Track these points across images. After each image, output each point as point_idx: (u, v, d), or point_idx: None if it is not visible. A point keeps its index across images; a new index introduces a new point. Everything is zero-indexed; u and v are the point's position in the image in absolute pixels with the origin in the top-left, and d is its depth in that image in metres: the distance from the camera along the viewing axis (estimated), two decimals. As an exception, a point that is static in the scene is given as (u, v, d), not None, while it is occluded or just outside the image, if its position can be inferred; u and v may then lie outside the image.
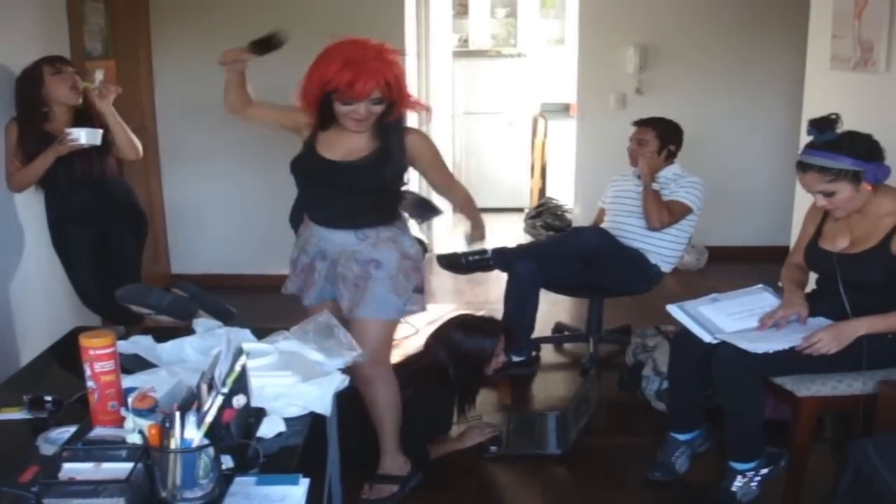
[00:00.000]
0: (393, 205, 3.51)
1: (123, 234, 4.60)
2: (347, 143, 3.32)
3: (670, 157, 4.93)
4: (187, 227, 6.78)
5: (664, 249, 4.81)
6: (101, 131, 4.21)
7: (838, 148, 3.19)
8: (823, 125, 3.25)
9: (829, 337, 3.24)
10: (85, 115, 4.32)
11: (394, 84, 3.19)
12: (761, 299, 3.66)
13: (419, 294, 3.50)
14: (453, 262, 5.02)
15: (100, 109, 4.36)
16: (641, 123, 5.03)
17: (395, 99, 3.23)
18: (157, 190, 6.60)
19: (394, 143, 3.31)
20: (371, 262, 3.36)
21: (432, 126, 6.45)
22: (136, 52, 6.30)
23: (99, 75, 4.40)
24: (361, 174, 3.30)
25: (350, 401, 3.10)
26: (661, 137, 4.91)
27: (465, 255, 4.60)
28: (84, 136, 4.14)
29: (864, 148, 3.20)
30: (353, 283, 3.37)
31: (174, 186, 6.69)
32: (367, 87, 3.13)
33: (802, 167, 3.29)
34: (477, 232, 3.74)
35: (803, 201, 4.40)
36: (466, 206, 3.72)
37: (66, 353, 2.92)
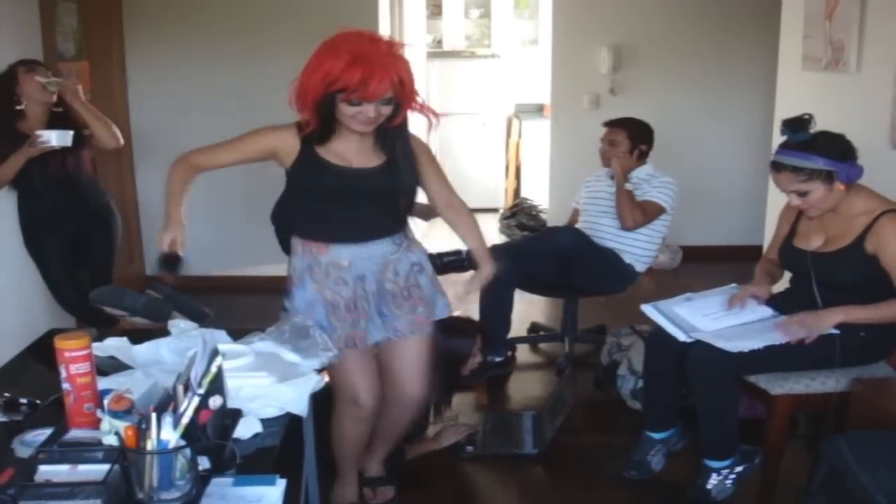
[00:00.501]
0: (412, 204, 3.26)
1: (97, 235, 4.59)
2: (357, 150, 3.03)
3: (642, 157, 4.95)
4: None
5: (638, 249, 4.83)
6: (71, 133, 4.20)
7: (811, 148, 3.22)
8: (797, 125, 3.27)
9: (800, 324, 3.29)
10: (61, 116, 4.31)
11: (407, 82, 2.89)
12: None
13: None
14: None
15: (71, 104, 4.36)
16: (612, 124, 5.05)
17: (404, 100, 2.93)
18: (130, 191, 6.57)
19: (399, 149, 3.05)
20: (414, 266, 3.17)
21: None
22: (109, 54, 6.27)
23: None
24: (396, 176, 3.05)
25: (328, 401, 3.10)
26: (632, 138, 4.93)
27: (440, 255, 4.61)
28: (55, 138, 4.14)
29: (836, 148, 3.23)
30: (401, 296, 3.14)
31: (148, 188, 6.65)
32: (381, 85, 2.80)
33: (776, 167, 3.32)
34: (485, 273, 3.32)
35: (776, 201, 4.43)
36: (473, 238, 3.35)
37: (40, 355, 2.91)
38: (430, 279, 3.24)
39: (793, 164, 3.24)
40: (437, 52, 10.04)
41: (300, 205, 3.17)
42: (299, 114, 3.01)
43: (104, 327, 3.80)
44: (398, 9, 7.25)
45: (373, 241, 3.08)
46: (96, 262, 4.61)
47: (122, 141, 4.61)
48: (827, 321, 3.28)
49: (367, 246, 3.07)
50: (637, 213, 4.72)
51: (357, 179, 3.02)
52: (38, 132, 4.12)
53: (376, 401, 3.21)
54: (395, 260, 3.12)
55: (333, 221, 3.09)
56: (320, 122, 2.95)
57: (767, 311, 3.56)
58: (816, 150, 3.21)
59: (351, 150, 3.02)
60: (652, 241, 4.87)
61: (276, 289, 5.24)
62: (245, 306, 5.46)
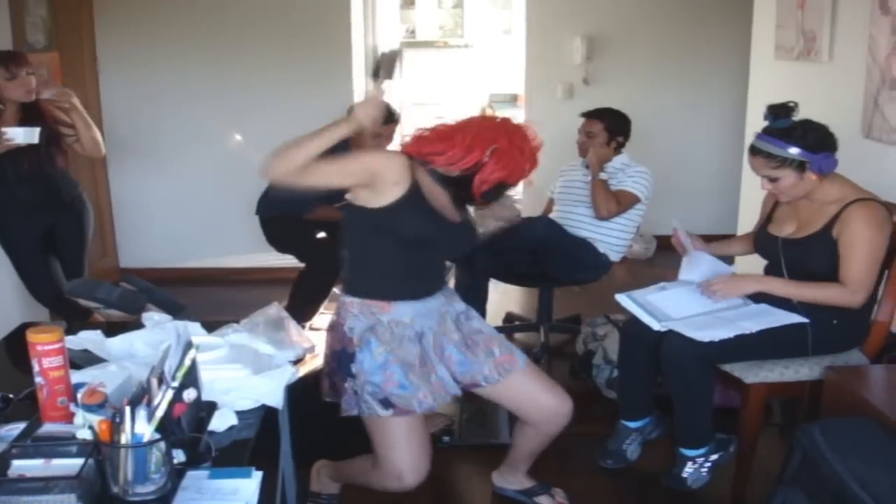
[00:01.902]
0: None
1: (69, 227, 4.58)
2: (448, 203, 2.96)
3: (618, 148, 4.96)
4: (135, 220, 6.72)
5: (612, 238, 4.84)
6: (38, 130, 4.16)
7: (788, 136, 3.24)
8: (779, 111, 3.30)
9: (722, 284, 3.45)
10: (32, 109, 4.27)
11: None
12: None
13: None
14: None
15: (69, 113, 4.35)
16: (589, 115, 5.05)
17: None
18: (103, 184, 6.53)
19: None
20: (461, 314, 3.14)
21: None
22: (80, 45, 6.22)
23: (46, 94, 4.35)
24: (475, 235, 3.12)
25: (307, 393, 3.08)
26: (609, 129, 4.93)
27: None
28: (21, 136, 4.12)
29: (813, 139, 3.25)
30: (465, 346, 3.07)
31: (121, 180, 6.62)
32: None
33: (752, 150, 3.36)
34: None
35: (750, 189, 4.45)
36: None
37: (13, 348, 2.89)
38: (484, 323, 3.22)
39: (767, 150, 3.27)
40: (411, 42, 10.07)
41: (366, 253, 2.99)
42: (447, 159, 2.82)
43: (78, 320, 3.79)
44: (371, -1, 7.24)
45: (432, 295, 3.01)
46: (69, 254, 4.59)
47: (104, 152, 4.60)
48: (743, 288, 3.45)
49: (427, 301, 2.99)
50: (611, 202, 4.73)
51: (451, 231, 2.98)
52: (4, 129, 4.10)
53: (422, 478, 3.01)
54: (447, 312, 3.08)
55: (402, 274, 2.97)
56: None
57: (738, 299, 3.58)
58: (793, 140, 3.23)
59: (446, 201, 2.95)
60: (626, 231, 4.88)
61: (247, 280, 5.29)
62: (218, 298, 5.46)
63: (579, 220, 4.86)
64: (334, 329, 3.00)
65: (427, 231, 2.88)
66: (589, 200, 4.81)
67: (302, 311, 4.80)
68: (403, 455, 2.95)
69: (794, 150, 3.22)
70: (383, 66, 3.02)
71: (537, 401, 3.17)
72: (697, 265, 3.68)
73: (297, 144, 2.70)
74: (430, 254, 3.01)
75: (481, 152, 2.77)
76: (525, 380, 3.15)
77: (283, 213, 5.07)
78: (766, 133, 3.32)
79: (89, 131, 4.43)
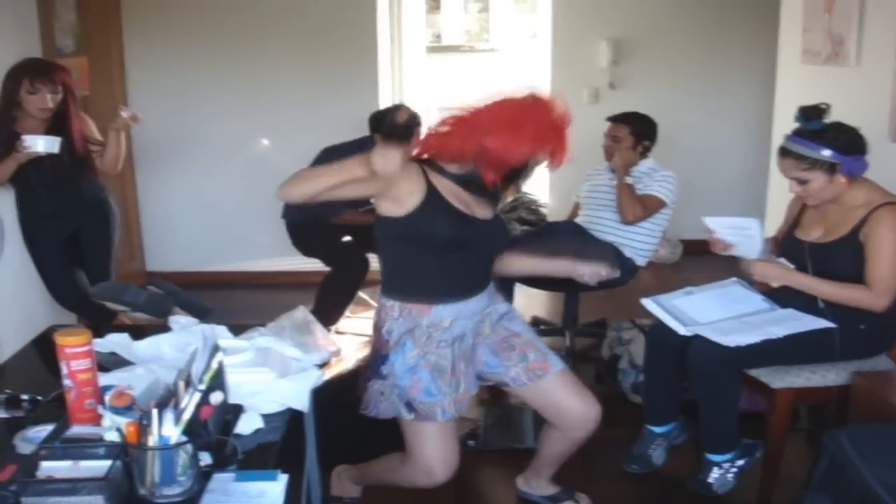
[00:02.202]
0: None
1: (95, 231, 4.58)
2: (473, 199, 2.95)
3: (645, 152, 4.94)
4: (161, 224, 6.75)
5: (638, 243, 4.82)
6: (59, 139, 4.12)
7: (820, 138, 3.22)
8: (811, 113, 3.28)
9: (762, 267, 3.42)
10: (60, 121, 4.26)
11: None
12: (735, 292, 3.69)
13: None
14: None
15: (110, 131, 4.38)
16: (616, 120, 5.03)
17: None
18: (130, 188, 6.57)
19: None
20: (503, 317, 3.13)
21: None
22: (108, 49, 6.26)
23: (124, 113, 4.38)
24: (507, 229, 3.12)
25: (333, 398, 3.08)
26: (636, 133, 4.92)
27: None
28: (41, 145, 4.07)
29: (845, 141, 3.23)
30: (502, 348, 3.10)
31: (148, 184, 6.66)
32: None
33: (783, 152, 3.33)
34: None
35: (776, 193, 4.43)
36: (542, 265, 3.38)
37: (41, 351, 2.92)
38: (524, 323, 3.20)
39: (798, 151, 3.25)
40: (437, 46, 10.08)
41: (402, 259, 2.97)
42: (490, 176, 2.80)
43: (102, 323, 3.81)
44: (397, 4, 7.24)
45: (474, 296, 2.98)
46: (95, 258, 4.60)
47: (119, 168, 4.64)
48: (776, 277, 3.44)
49: (469, 302, 2.97)
50: (637, 206, 4.71)
51: (481, 229, 2.95)
52: (24, 137, 4.06)
53: (451, 473, 3.05)
54: (488, 313, 3.08)
55: (440, 277, 2.94)
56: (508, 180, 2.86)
57: (764, 304, 3.57)
58: (824, 141, 3.21)
59: (470, 198, 2.93)
60: (652, 235, 4.86)
61: (273, 284, 5.31)
62: (243, 301, 5.47)
63: (605, 225, 4.85)
64: (375, 331, 3.03)
65: (453, 232, 2.85)
66: (615, 205, 4.79)
67: (327, 314, 4.82)
68: (434, 451, 2.97)
69: (825, 152, 3.20)
70: (394, 132, 2.76)
71: (565, 405, 3.16)
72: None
73: (312, 176, 2.78)
74: (464, 254, 2.93)
75: (477, 142, 2.76)
76: (556, 384, 3.14)
77: (309, 217, 5.10)
78: (797, 135, 3.30)
79: (118, 150, 4.45)
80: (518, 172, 2.85)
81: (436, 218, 2.83)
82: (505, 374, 3.09)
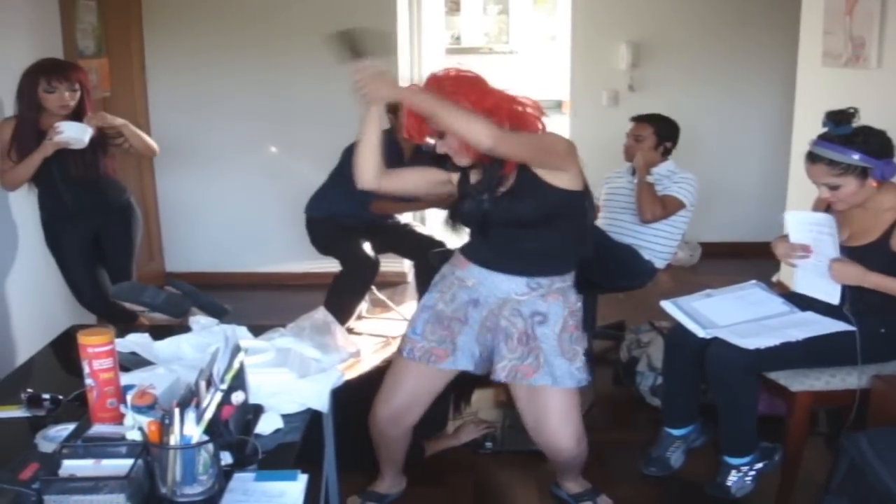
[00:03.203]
0: (573, 250, 3.23)
1: (117, 232, 4.59)
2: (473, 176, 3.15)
3: (666, 154, 4.93)
4: (181, 225, 6.78)
5: (657, 245, 4.80)
6: (91, 129, 4.17)
7: (851, 142, 3.19)
8: (840, 118, 3.24)
9: (839, 268, 3.26)
10: (76, 116, 4.29)
11: None
12: (754, 295, 3.68)
13: (585, 358, 3.22)
14: (445, 259, 5.04)
15: (119, 129, 4.39)
16: (640, 119, 5.02)
17: None
18: (150, 188, 6.60)
19: (519, 180, 3.06)
20: (536, 315, 3.10)
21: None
22: (128, 51, 6.29)
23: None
24: (513, 206, 3.02)
25: (349, 403, 3.09)
26: (659, 134, 4.90)
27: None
28: (74, 130, 4.10)
29: (876, 145, 3.21)
30: (516, 340, 3.10)
31: (168, 185, 6.69)
32: None
33: (812, 158, 3.29)
34: None
35: (796, 197, 4.42)
36: None
37: (62, 351, 2.94)
38: (554, 339, 3.11)
39: (829, 157, 3.22)
40: (456, 48, 10.08)
41: None
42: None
43: (123, 323, 3.82)
44: (416, 5, 7.25)
45: (499, 273, 3.08)
46: (116, 259, 4.61)
47: (157, 150, 4.67)
48: (852, 276, 3.25)
49: (493, 276, 3.09)
50: (657, 206, 4.70)
51: (479, 205, 3.06)
52: (58, 123, 4.09)
53: (386, 420, 3.33)
54: (520, 302, 3.09)
55: (479, 242, 3.15)
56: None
57: (784, 307, 3.56)
58: (856, 146, 3.18)
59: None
60: (671, 238, 4.84)
61: (293, 285, 5.34)
62: (261, 302, 5.49)
63: (624, 227, 4.84)
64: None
65: (461, 209, 3.12)
66: (634, 208, 4.78)
67: (337, 314, 4.83)
68: (387, 384, 3.32)
69: (857, 156, 3.18)
70: (364, 43, 3.09)
71: (543, 424, 3.22)
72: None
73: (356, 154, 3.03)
74: (482, 229, 3.09)
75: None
76: (546, 400, 3.16)
77: (330, 216, 5.15)
78: (826, 140, 3.26)
79: (139, 140, 4.47)
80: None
81: (460, 197, 3.13)
82: (496, 363, 3.15)
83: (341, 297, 5.16)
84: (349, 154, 4.86)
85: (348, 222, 5.20)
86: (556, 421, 3.18)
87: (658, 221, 4.73)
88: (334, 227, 5.25)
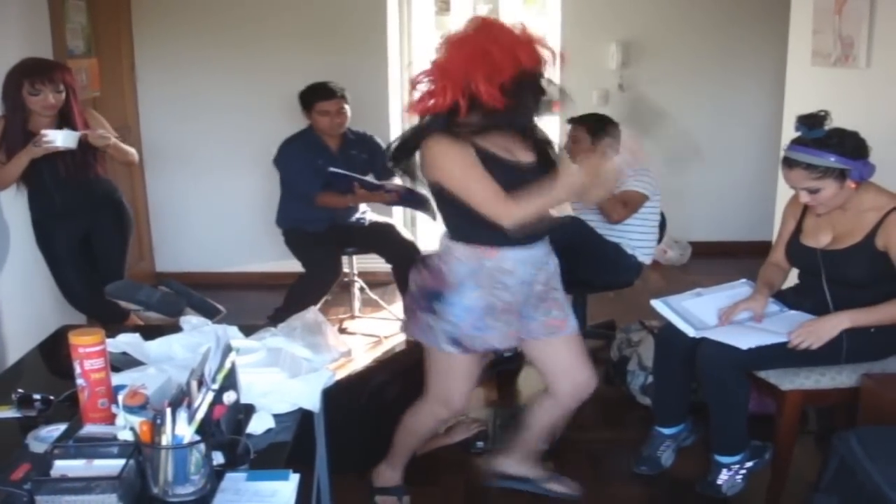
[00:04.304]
0: None
1: (108, 231, 4.58)
2: (514, 143, 3.03)
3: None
4: (171, 225, 6.78)
5: (633, 239, 4.75)
6: (78, 134, 4.13)
7: (826, 145, 3.20)
8: (812, 122, 3.25)
9: (807, 332, 3.27)
10: (66, 117, 4.26)
11: None
12: (744, 294, 3.69)
13: None
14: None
15: (107, 145, 4.36)
16: (573, 122, 4.98)
17: None
18: (140, 188, 6.59)
19: (545, 144, 3.17)
20: (555, 269, 3.23)
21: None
22: (118, 51, 6.29)
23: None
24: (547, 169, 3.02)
25: (341, 403, 3.09)
26: (593, 133, 4.84)
27: None
28: (60, 139, 4.06)
29: (851, 146, 3.22)
30: (539, 298, 3.18)
31: (158, 185, 6.68)
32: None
33: (788, 163, 3.30)
34: None
35: (785, 196, 4.42)
36: None
37: (53, 351, 2.93)
38: (559, 282, 3.26)
39: (806, 160, 3.23)
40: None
41: (471, 209, 2.93)
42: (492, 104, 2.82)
43: (113, 323, 3.82)
44: (406, 4, 7.25)
45: (535, 244, 3.07)
46: (108, 258, 4.59)
47: (136, 158, 4.66)
48: (834, 329, 3.26)
49: (532, 248, 3.06)
50: (618, 206, 4.64)
51: (527, 174, 2.95)
52: (44, 131, 4.05)
53: (464, 407, 3.37)
54: (546, 264, 3.17)
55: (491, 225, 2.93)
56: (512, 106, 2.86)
57: (774, 307, 3.57)
58: (830, 148, 3.19)
59: (511, 144, 3.01)
60: (646, 229, 4.79)
61: (283, 285, 5.33)
62: (252, 302, 5.48)
63: (597, 228, 4.78)
64: (430, 269, 3.11)
65: (507, 178, 2.89)
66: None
67: (292, 313, 4.83)
68: (458, 383, 3.22)
69: (833, 159, 3.19)
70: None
71: (569, 368, 3.29)
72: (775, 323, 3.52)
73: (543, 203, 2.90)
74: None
75: (458, 78, 2.81)
76: (565, 347, 3.26)
77: (293, 226, 5.39)
78: (801, 144, 3.27)
79: (122, 154, 4.47)
80: (518, 89, 2.87)
81: (492, 172, 2.89)
82: (526, 326, 3.18)
83: (297, 299, 5.13)
84: (285, 161, 5.08)
85: (311, 228, 5.33)
86: (582, 361, 3.30)
87: (627, 219, 4.70)
88: (300, 236, 5.38)
